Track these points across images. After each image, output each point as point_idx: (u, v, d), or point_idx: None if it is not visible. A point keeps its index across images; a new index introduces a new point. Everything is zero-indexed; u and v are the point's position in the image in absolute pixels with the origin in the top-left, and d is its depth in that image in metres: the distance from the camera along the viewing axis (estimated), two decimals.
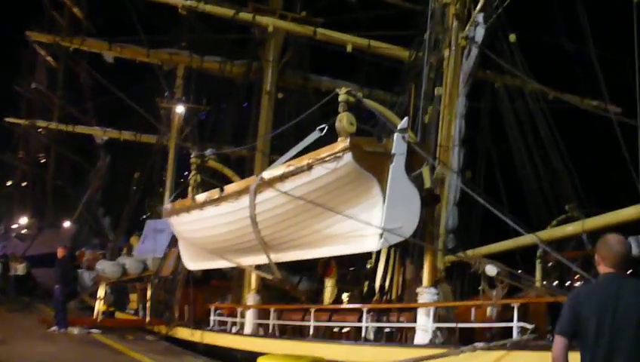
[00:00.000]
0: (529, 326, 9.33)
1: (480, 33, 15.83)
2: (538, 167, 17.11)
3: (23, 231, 43.69)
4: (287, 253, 11.68)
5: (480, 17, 15.88)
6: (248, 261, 12.93)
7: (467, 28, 16.01)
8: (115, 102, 32.45)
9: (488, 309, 13.03)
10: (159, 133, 32.30)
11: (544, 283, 12.11)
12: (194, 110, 31.79)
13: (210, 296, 19.68)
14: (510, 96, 17.57)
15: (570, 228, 13.00)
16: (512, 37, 16.73)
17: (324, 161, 9.77)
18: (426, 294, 11.03)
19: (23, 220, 46.60)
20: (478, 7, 15.91)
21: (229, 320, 16.82)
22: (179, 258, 20.97)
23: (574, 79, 17.53)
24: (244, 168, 19.75)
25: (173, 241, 20.36)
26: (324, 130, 10.68)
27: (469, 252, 11.96)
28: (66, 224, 39.93)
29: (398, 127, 9.98)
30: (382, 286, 13.16)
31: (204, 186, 14.55)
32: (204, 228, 12.70)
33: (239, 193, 11.32)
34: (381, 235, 9.76)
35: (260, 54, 25.17)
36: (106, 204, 38.22)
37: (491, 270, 9.46)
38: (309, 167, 9.95)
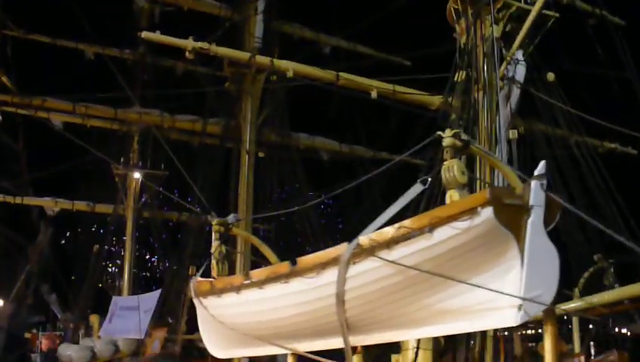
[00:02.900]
0: None
1: (521, 72, 14.56)
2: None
3: None
4: (374, 334, 9.63)
5: (519, 54, 14.61)
6: (312, 346, 10.73)
7: (504, 67, 14.72)
8: (63, 171, 29.91)
9: None
10: (116, 203, 29.61)
11: None
12: (153, 176, 29.40)
13: None
14: (549, 142, 16.21)
15: None
16: (551, 75, 15.50)
17: (452, 219, 7.87)
18: None
19: None
20: (516, 43, 14.65)
21: None
22: (167, 338, 18.79)
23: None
24: None
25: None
26: (427, 183, 8.93)
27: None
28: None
29: (536, 173, 8.16)
30: None
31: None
32: (260, 311, 10.40)
33: (322, 266, 9.23)
34: (520, 306, 7.90)
35: (235, 111, 23.66)
36: (50, 279, 35.04)
37: None
38: (431, 228, 8.03)
